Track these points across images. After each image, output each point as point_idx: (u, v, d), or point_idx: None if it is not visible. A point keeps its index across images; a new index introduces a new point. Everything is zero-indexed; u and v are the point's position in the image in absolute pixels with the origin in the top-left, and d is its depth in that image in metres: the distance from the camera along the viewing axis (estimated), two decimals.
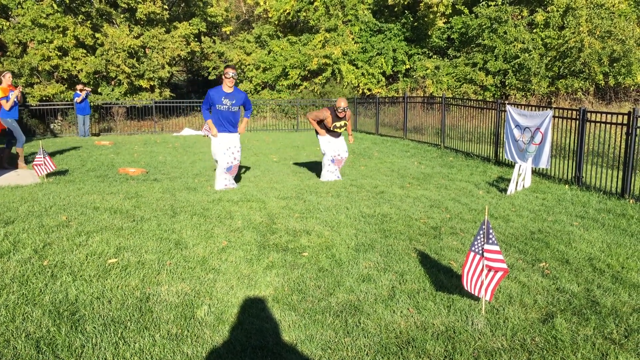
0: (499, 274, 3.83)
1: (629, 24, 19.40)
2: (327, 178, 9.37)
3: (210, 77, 28.45)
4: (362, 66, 25.98)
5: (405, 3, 25.15)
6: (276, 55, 26.56)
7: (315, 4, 26.33)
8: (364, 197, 7.99)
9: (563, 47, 20.20)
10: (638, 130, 7.70)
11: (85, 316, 3.82)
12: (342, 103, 8.90)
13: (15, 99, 10.76)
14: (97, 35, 23.21)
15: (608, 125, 8.42)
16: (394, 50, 25.71)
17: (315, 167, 11.07)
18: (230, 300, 4.17)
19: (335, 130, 9.22)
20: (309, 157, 12.93)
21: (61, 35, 22.35)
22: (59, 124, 22.76)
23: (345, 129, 9.43)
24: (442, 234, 6.00)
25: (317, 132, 9.47)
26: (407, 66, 25.85)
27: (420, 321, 3.83)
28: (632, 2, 20.50)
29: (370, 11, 26.72)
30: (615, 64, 19.50)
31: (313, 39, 26.33)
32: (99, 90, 23.72)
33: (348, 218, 6.65)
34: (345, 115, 9.10)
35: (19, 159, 10.93)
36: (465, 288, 3.98)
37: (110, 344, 3.45)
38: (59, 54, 22.44)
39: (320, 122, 9.32)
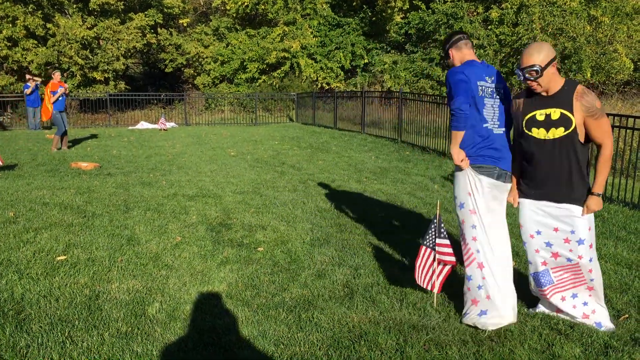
0: (448, 267, 3.89)
1: (579, 21, 19.94)
2: None
3: (167, 70, 28.00)
4: (320, 60, 25.99)
5: None
6: (234, 48, 26.33)
7: None
8: (321, 191, 8.00)
9: (517, 44, 20.64)
10: None
11: (31, 315, 3.72)
12: None
13: (63, 94, 12.81)
14: (48, 25, 22.54)
15: None
16: (353, 45, 25.80)
17: (272, 162, 11.03)
18: (183, 296, 4.12)
19: None
20: (266, 151, 12.87)
21: (10, 25, 21.64)
22: (9, 116, 22.03)
23: None
24: (397, 229, 6.06)
25: None
26: (366, 61, 25.99)
27: (373, 315, 3.86)
28: (582, 1, 21.05)
29: (328, 5, 26.73)
30: (566, 61, 20.02)
31: (272, 32, 26.19)
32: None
33: (304, 213, 6.65)
34: None
35: (52, 144, 12.62)
36: (417, 282, 4.02)
37: (56, 344, 3.36)
38: (8, 44, 21.74)
39: None
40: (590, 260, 3.54)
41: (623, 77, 20.93)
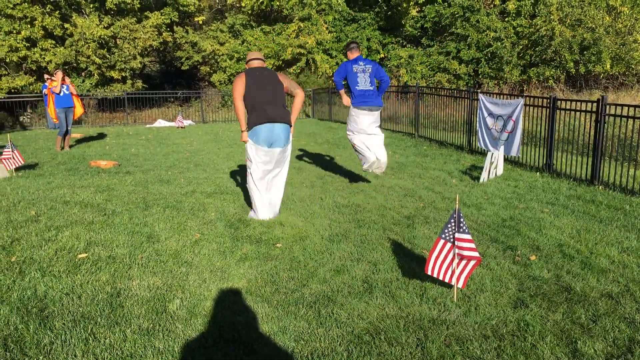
0: (472, 262, 3.86)
1: (598, 12, 19.64)
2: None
3: (183, 68, 28.12)
4: (336, 55, 25.92)
5: None
6: (250, 45, 26.33)
7: None
8: (339, 187, 7.99)
9: (534, 36, 20.39)
10: (607, 117, 7.82)
11: (54, 312, 3.76)
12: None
13: (64, 92, 12.73)
14: (66, 25, 22.74)
15: (578, 113, 8.54)
16: (368, 40, 25.69)
17: (290, 158, 11.02)
18: (203, 293, 4.14)
19: None
20: None
21: (29, 25, 21.87)
22: (29, 116, 22.31)
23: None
24: (416, 223, 6.04)
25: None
26: (381, 55, 25.86)
27: (393, 310, 3.84)
28: None
29: (344, 0, 26.63)
30: (585, 52, 19.74)
31: (287, 28, 26.16)
32: (70, 81, 23.29)
33: (322, 209, 6.65)
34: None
35: (56, 144, 12.77)
36: (428, 273, 4.00)
37: (80, 340, 3.40)
38: (27, 44, 21.96)
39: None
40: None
41: None
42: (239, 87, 5.86)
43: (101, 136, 16.02)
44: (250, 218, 6.14)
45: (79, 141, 14.64)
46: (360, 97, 7.40)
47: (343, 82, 7.54)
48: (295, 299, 4.03)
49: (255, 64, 6.08)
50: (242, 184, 8.06)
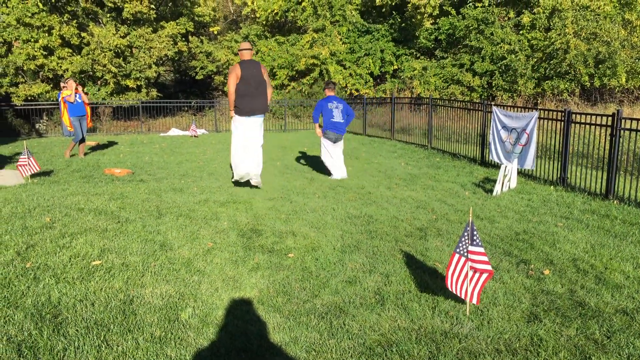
0: (484, 275, 3.84)
1: (614, 25, 19.57)
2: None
3: (197, 77, 28.32)
4: (349, 67, 25.99)
5: (393, 4, 25.21)
6: (264, 55, 26.50)
7: (303, 4, 26.30)
8: (351, 198, 8.00)
9: (549, 49, 20.35)
10: (622, 131, 7.77)
11: (68, 319, 3.79)
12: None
13: (77, 101, 12.74)
14: (83, 34, 23.01)
15: (593, 127, 8.49)
16: (382, 51, 25.75)
17: (301, 168, 11.06)
18: (215, 302, 4.15)
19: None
20: (296, 157, 12.92)
21: (47, 34, 22.14)
22: (45, 123, 22.54)
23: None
24: (428, 235, 6.02)
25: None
26: (395, 67, 25.90)
27: (405, 323, 3.83)
28: (617, 5, 20.67)
29: (358, 12, 26.74)
30: (600, 66, 19.66)
31: (301, 39, 26.29)
32: (85, 90, 23.51)
33: (334, 219, 6.65)
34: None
35: (67, 149, 12.97)
36: (449, 289, 3.99)
37: (92, 347, 3.42)
38: (44, 53, 22.22)
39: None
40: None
41: None
42: (233, 77, 7.90)
43: (116, 144, 16.15)
44: (233, 180, 8.63)
45: (93, 149, 14.77)
46: (333, 127, 9.80)
47: (319, 118, 10.01)
48: (307, 310, 4.03)
49: (246, 55, 8.05)
50: (255, 194, 8.08)
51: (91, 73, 23.35)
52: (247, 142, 8.14)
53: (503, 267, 4.99)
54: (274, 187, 8.73)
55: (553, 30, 20.26)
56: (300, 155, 13.40)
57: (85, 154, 13.39)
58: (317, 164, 11.60)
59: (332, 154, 9.91)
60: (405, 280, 4.61)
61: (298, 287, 4.47)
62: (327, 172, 10.08)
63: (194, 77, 28.96)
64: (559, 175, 9.00)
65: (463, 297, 3.94)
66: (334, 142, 9.85)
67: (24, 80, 23.09)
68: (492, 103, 11.57)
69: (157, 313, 3.92)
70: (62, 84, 15.55)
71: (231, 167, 8.57)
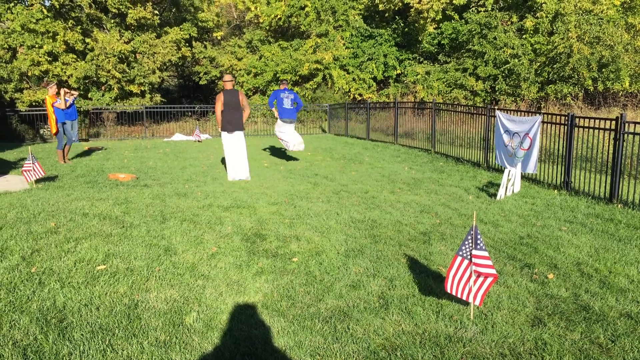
0: (489, 279, 3.85)
1: (617, 29, 19.56)
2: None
3: (201, 82, 28.41)
4: (353, 71, 26.04)
5: (396, 9, 25.26)
6: (267, 60, 26.57)
7: (306, 9, 26.39)
8: (355, 202, 8.00)
9: (552, 53, 20.34)
10: (626, 135, 7.77)
11: (73, 323, 3.81)
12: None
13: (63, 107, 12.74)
14: (87, 40, 23.13)
15: (596, 131, 8.49)
16: (385, 56, 25.79)
17: (305, 173, 11.08)
18: (220, 306, 4.16)
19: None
20: (299, 162, 12.94)
21: (51, 40, 22.27)
22: (49, 129, 22.61)
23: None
24: (432, 240, 6.02)
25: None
26: (398, 71, 25.94)
27: (409, 327, 3.83)
28: (620, 9, 20.67)
29: (361, 17, 26.80)
30: (604, 70, 19.64)
31: (304, 44, 26.37)
32: (89, 95, 23.64)
33: (338, 224, 6.66)
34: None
35: (59, 158, 12.76)
36: (448, 291, 3.99)
37: (97, 352, 3.43)
38: (48, 59, 22.35)
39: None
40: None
41: None
42: (219, 103, 10.12)
43: (120, 149, 16.20)
44: (229, 180, 10.13)
45: (87, 153, 14.81)
46: (284, 112, 12.43)
47: (274, 103, 12.65)
48: (311, 314, 4.04)
49: (228, 85, 10.22)
50: (259, 199, 8.10)
51: (95, 78, 23.45)
52: (234, 149, 10.16)
53: (507, 271, 4.99)
54: (278, 191, 8.75)
55: (556, 35, 20.27)
56: (304, 159, 13.41)
57: (71, 158, 13.24)
58: (321, 169, 11.62)
59: (286, 130, 12.65)
60: (409, 285, 4.62)
61: (302, 292, 4.47)
62: (332, 178, 10.08)
63: (198, 82, 29.06)
64: (562, 179, 8.99)
65: (465, 298, 3.94)
66: (287, 127, 12.59)
67: (28, 86, 23.21)
68: (496, 107, 11.58)
69: (161, 317, 3.94)
70: (48, 87, 15.53)
71: (225, 168, 10.71)
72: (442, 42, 24.70)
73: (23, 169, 8.96)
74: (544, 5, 20.98)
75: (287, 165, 12.42)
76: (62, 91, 13.10)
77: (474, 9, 23.07)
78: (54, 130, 12.60)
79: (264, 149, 16.05)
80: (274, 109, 12.70)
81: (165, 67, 26.51)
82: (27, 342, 3.53)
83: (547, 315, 4.02)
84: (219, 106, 10.07)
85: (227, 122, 10.06)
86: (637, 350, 3.46)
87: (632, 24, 20.38)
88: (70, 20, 23.49)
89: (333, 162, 12.81)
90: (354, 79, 26.00)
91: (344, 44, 26.33)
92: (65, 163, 12.55)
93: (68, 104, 17.50)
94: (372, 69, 25.75)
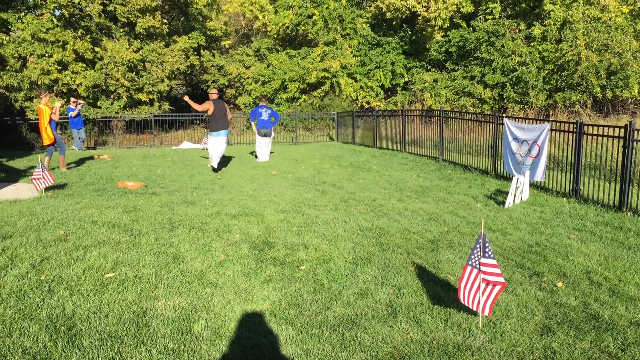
0: (497, 288, 3.84)
1: (625, 37, 19.51)
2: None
3: (209, 90, 28.52)
4: (360, 79, 26.08)
5: (403, 17, 25.30)
6: (275, 68, 26.66)
7: (314, 18, 26.48)
8: (362, 210, 8.00)
9: (560, 61, 20.31)
10: (635, 143, 7.74)
11: (82, 331, 3.82)
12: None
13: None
14: (96, 49, 23.30)
15: (605, 138, 8.46)
16: (393, 64, 25.82)
17: (312, 181, 11.09)
18: (228, 314, 4.17)
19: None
20: (307, 170, 12.95)
21: (61, 49, 22.44)
22: (41, 141, 22.74)
23: None
24: (440, 247, 6.01)
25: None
26: (406, 79, 25.95)
27: (417, 335, 3.82)
28: (628, 16, 20.63)
29: (368, 25, 26.87)
30: (612, 77, 19.58)
31: (312, 52, 26.45)
32: (98, 104, 23.78)
33: (346, 231, 6.66)
34: None
35: (60, 166, 12.92)
36: (462, 302, 3.98)
37: (106, 359, 3.44)
38: (58, 68, 22.51)
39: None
40: None
41: None
42: (209, 107, 12.48)
43: (128, 157, 16.28)
44: (210, 167, 12.98)
45: (106, 162, 14.89)
46: (261, 123, 14.96)
47: (255, 118, 15.27)
48: (319, 322, 4.03)
49: (214, 96, 12.76)
50: (267, 206, 8.12)
51: (104, 87, 23.60)
52: (218, 146, 12.53)
53: (516, 279, 4.97)
54: (286, 199, 8.76)
55: (564, 42, 20.24)
56: (312, 167, 13.43)
57: (68, 165, 13.29)
58: (328, 177, 11.63)
59: (262, 145, 15.16)
60: (417, 293, 4.61)
61: (310, 300, 4.47)
62: (340, 186, 10.08)
63: (206, 91, 29.17)
64: (571, 187, 8.95)
65: (475, 309, 3.93)
66: (264, 136, 15.06)
67: (38, 95, 23.35)
68: (504, 115, 11.56)
69: (170, 325, 3.95)
70: (72, 99, 15.64)
71: (210, 159, 12.87)
72: (450, 50, 24.72)
73: (33, 177, 9.03)
74: (551, 13, 20.98)
75: (295, 173, 12.43)
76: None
77: (481, 16, 23.09)
78: (47, 142, 12.08)
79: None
80: (253, 124, 15.55)
81: (173, 75, 26.65)
82: (36, 349, 3.54)
83: (556, 323, 4.00)
84: (206, 107, 12.45)
85: (214, 126, 12.58)
86: None
87: None
88: (80, 30, 23.68)
89: (341, 170, 12.82)
90: (361, 87, 26.03)
91: (351, 52, 26.39)
92: (65, 170, 12.63)
93: (75, 113, 17.58)
94: (380, 77, 25.78)
